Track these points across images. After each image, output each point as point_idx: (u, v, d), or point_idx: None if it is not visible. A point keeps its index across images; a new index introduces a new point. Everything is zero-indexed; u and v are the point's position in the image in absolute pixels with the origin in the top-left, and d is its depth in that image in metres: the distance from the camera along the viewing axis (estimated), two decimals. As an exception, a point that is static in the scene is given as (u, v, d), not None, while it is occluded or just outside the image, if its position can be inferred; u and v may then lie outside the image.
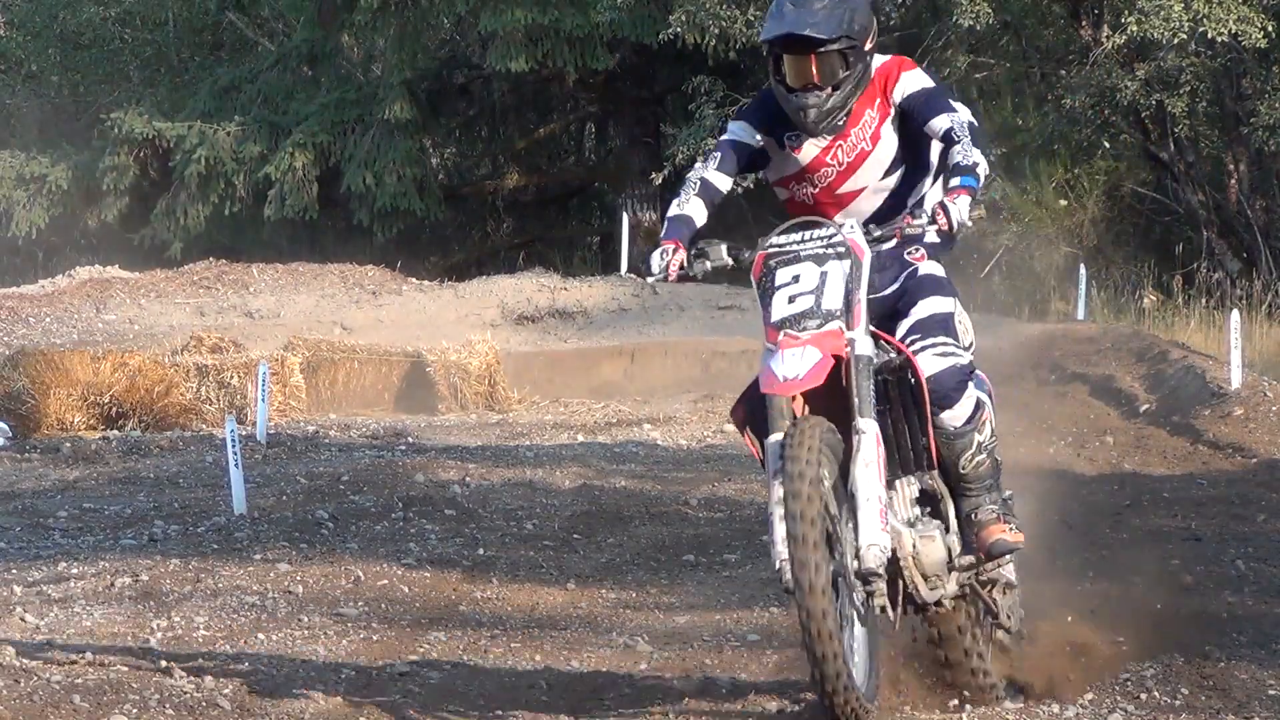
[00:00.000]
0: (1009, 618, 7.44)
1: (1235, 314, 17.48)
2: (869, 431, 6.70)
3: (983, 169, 6.89)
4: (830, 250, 6.88)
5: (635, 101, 31.53)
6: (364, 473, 13.37)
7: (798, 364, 6.69)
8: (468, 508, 12.17)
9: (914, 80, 7.09)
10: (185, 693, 7.64)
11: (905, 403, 6.97)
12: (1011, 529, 7.17)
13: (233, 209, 30.56)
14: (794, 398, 6.77)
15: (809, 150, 7.14)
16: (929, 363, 6.97)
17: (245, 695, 7.68)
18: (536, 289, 25.67)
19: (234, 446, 11.96)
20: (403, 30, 30.18)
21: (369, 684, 7.95)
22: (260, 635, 8.55)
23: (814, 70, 6.96)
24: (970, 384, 7.12)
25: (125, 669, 7.92)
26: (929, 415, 6.95)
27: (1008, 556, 7.22)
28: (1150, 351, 19.35)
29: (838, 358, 6.74)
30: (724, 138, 7.27)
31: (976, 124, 7.03)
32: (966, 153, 6.92)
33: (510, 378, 20.42)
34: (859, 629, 6.73)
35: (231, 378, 18.98)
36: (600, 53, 29.39)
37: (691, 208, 7.23)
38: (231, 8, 33.61)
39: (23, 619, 8.74)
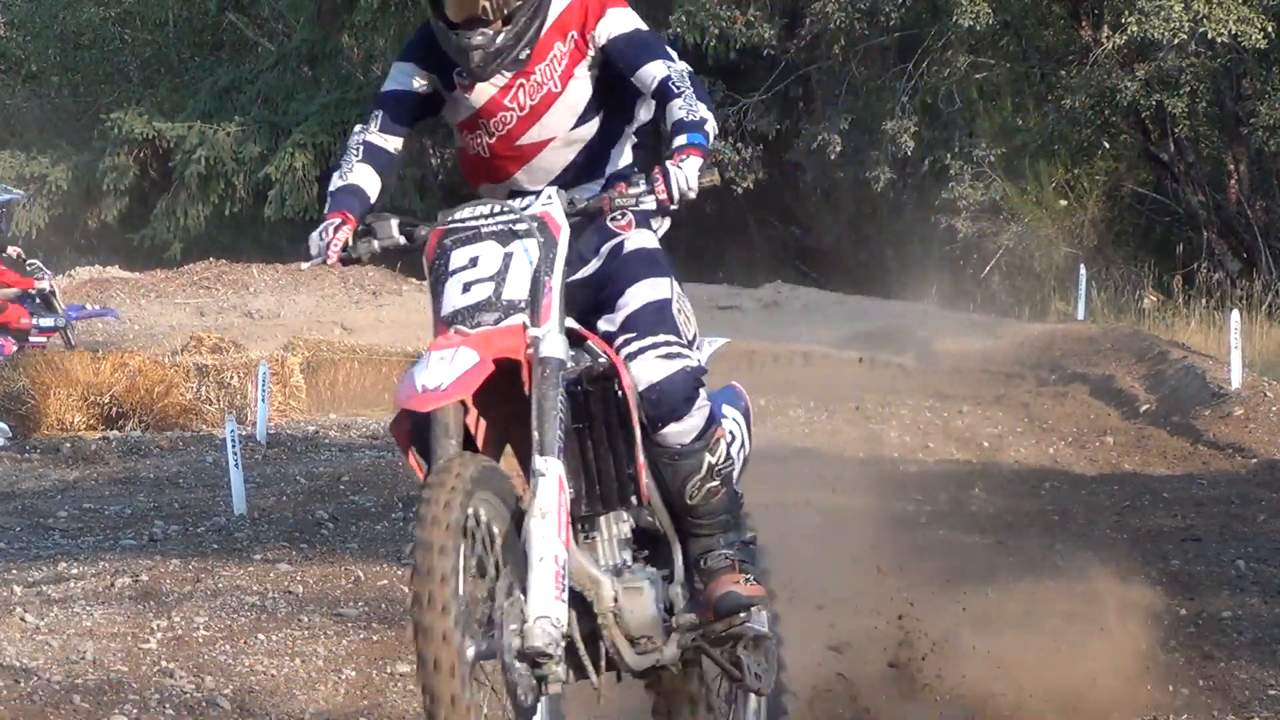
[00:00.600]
0: (758, 677, 5.88)
1: (1235, 314, 17.48)
2: (549, 473, 5.12)
3: (712, 126, 5.52)
4: (520, 225, 5.38)
5: (635, 102, 31.55)
6: (364, 473, 13.36)
7: (443, 371, 5.15)
8: (468, 508, 12.15)
9: (622, 20, 5.69)
10: (185, 693, 7.64)
11: (610, 419, 5.51)
12: (748, 580, 5.74)
13: (233, 209, 30.59)
14: (467, 412, 5.28)
15: (483, 91, 5.73)
16: (651, 368, 5.59)
17: (245, 695, 7.68)
18: (536, 289, 25.64)
19: (234, 447, 11.96)
20: (403, 30, 30.20)
21: (369, 684, 7.94)
22: (260, 635, 8.54)
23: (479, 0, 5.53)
24: (701, 391, 5.68)
25: (125, 669, 7.92)
26: (637, 436, 5.50)
27: (746, 613, 5.74)
28: (1150, 352, 19.35)
29: (515, 361, 5.24)
30: (383, 89, 5.91)
31: (697, 77, 5.67)
32: (691, 107, 5.54)
33: (510, 378, 20.40)
34: None
35: (231, 378, 18.98)
36: (600, 53, 29.40)
37: (357, 175, 5.78)
38: (231, 8, 33.63)
39: (23, 619, 8.74)
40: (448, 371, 5.14)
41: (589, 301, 5.67)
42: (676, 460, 5.64)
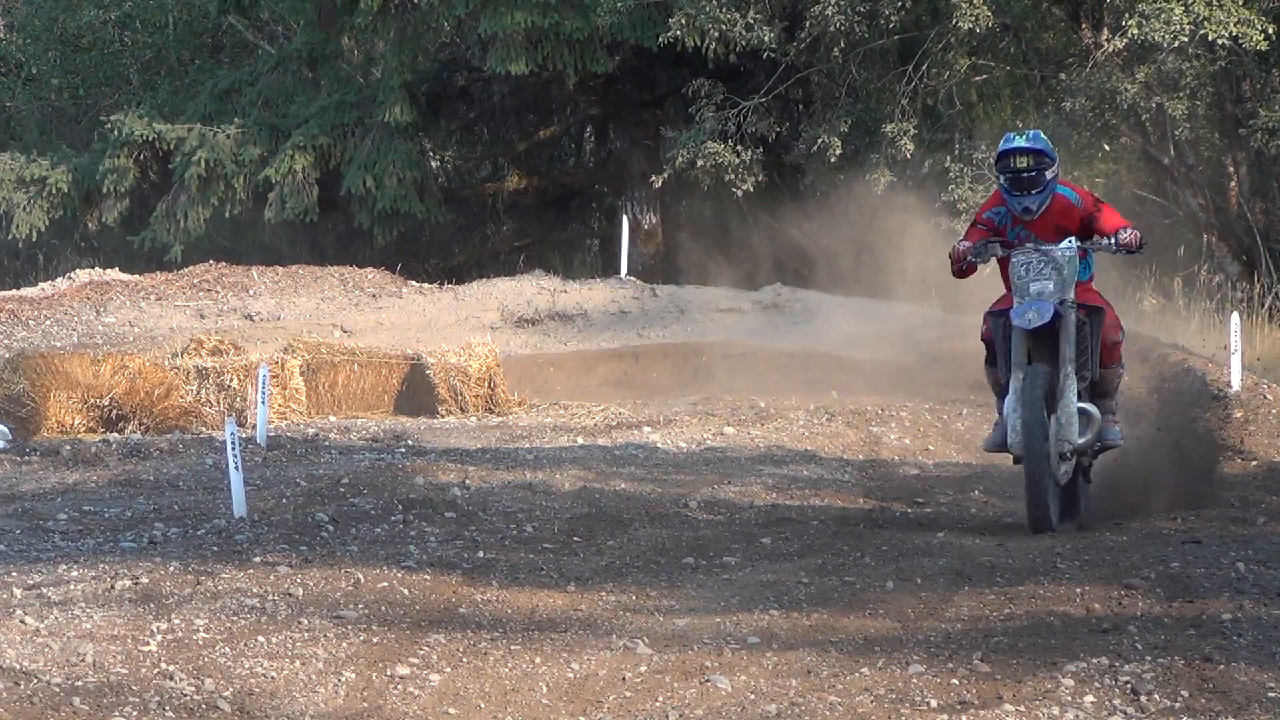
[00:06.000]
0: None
1: (1235, 316, 17.49)
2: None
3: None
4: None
5: (635, 104, 31.54)
6: (364, 475, 13.37)
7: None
8: (467, 510, 12.18)
9: None
10: (185, 695, 7.64)
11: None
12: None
13: (233, 211, 30.57)
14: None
15: None
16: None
17: (245, 698, 7.68)
18: (536, 291, 25.67)
19: (234, 449, 11.96)
20: (403, 33, 30.18)
21: (369, 686, 7.95)
22: (260, 638, 8.55)
23: None
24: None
25: (125, 671, 7.93)
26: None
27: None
28: (1150, 354, 19.36)
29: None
30: None
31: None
32: None
33: (510, 380, 20.43)
34: None
35: (231, 380, 18.98)
36: (600, 56, 29.40)
37: None
38: (231, 10, 33.61)
39: (23, 621, 8.74)
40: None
41: None
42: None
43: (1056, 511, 11.61)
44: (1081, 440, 11.73)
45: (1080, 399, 11.79)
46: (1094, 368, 11.88)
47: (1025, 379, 11.57)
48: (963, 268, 12.02)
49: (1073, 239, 11.82)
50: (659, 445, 16.32)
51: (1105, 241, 11.86)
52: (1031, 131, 11.97)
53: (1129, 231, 11.87)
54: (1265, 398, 16.42)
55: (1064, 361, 11.69)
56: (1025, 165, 11.81)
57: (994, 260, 12.10)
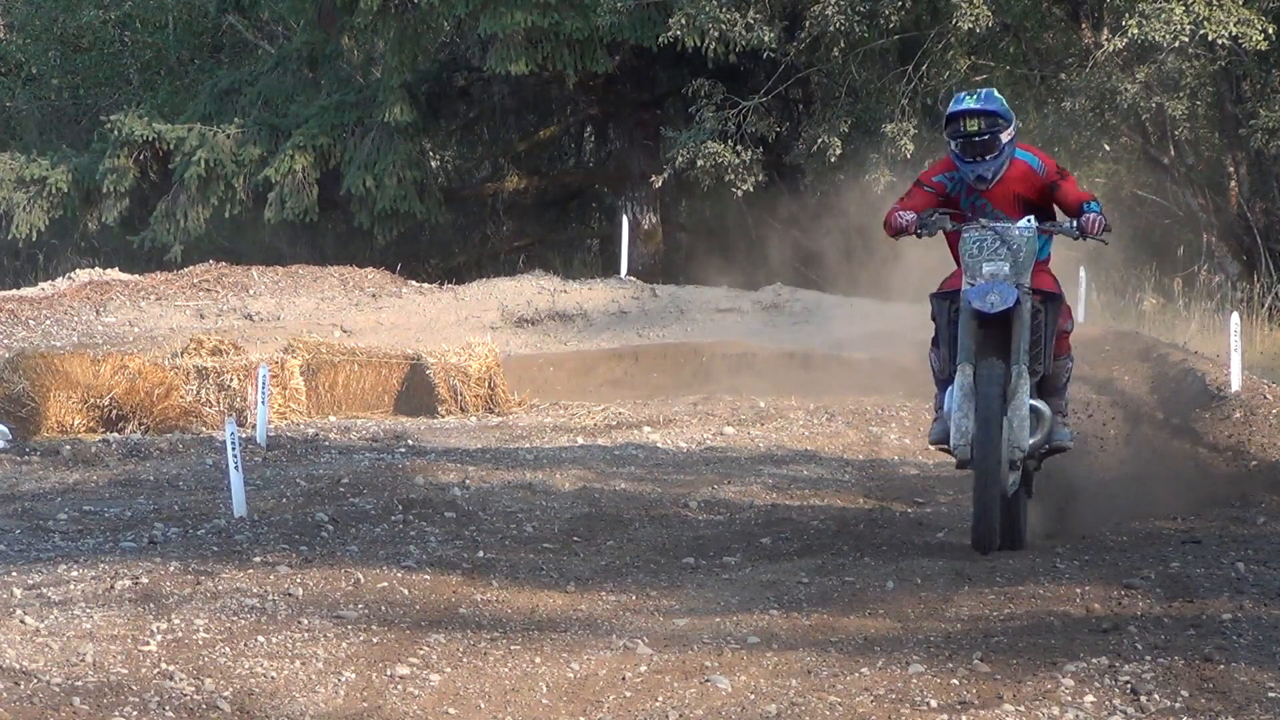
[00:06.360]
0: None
1: (1235, 316, 17.48)
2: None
3: None
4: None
5: (635, 104, 31.54)
6: (364, 475, 13.37)
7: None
8: (467, 510, 12.18)
9: None
10: (185, 695, 7.64)
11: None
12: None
13: (233, 211, 30.58)
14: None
15: None
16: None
17: (245, 698, 7.68)
18: (536, 291, 25.67)
19: (234, 449, 11.96)
20: (402, 33, 30.18)
21: (369, 686, 7.95)
22: (260, 638, 8.55)
23: None
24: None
25: (125, 671, 7.93)
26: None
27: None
28: (1150, 354, 19.36)
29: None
30: None
31: None
32: None
33: (510, 380, 20.42)
34: None
35: (231, 380, 18.98)
36: (600, 55, 29.40)
37: None
38: (231, 10, 33.61)
39: (23, 621, 8.74)
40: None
41: None
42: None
43: (999, 529, 10.60)
44: (1032, 441, 10.67)
45: (1030, 396, 10.71)
46: (1047, 361, 10.73)
47: (979, 377, 10.53)
48: (899, 235, 11.03)
49: (1031, 218, 10.71)
50: (659, 445, 16.32)
51: (1067, 225, 10.78)
52: (984, 90, 10.92)
53: (1094, 215, 10.73)
54: (1265, 398, 16.41)
55: (1017, 355, 10.58)
56: (977, 128, 10.73)
57: (940, 233, 11.07)
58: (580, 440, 16.86)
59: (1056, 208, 10.95)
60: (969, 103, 10.79)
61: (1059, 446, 10.96)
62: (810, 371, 21.30)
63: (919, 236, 10.90)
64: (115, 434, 17.08)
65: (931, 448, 11.34)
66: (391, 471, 13.59)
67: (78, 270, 28.20)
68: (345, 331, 24.28)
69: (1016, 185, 10.84)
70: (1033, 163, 10.87)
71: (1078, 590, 9.47)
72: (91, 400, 17.47)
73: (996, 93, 10.93)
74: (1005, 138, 10.76)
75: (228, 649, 8.35)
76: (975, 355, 10.56)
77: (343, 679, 8.02)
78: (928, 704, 7.54)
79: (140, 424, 17.50)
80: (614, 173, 32.35)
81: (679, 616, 9.20)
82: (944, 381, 10.84)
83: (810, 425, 17.46)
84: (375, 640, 8.61)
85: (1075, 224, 10.75)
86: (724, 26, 26.64)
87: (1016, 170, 10.85)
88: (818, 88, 28.72)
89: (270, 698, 7.70)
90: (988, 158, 10.77)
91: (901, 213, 10.95)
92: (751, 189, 28.01)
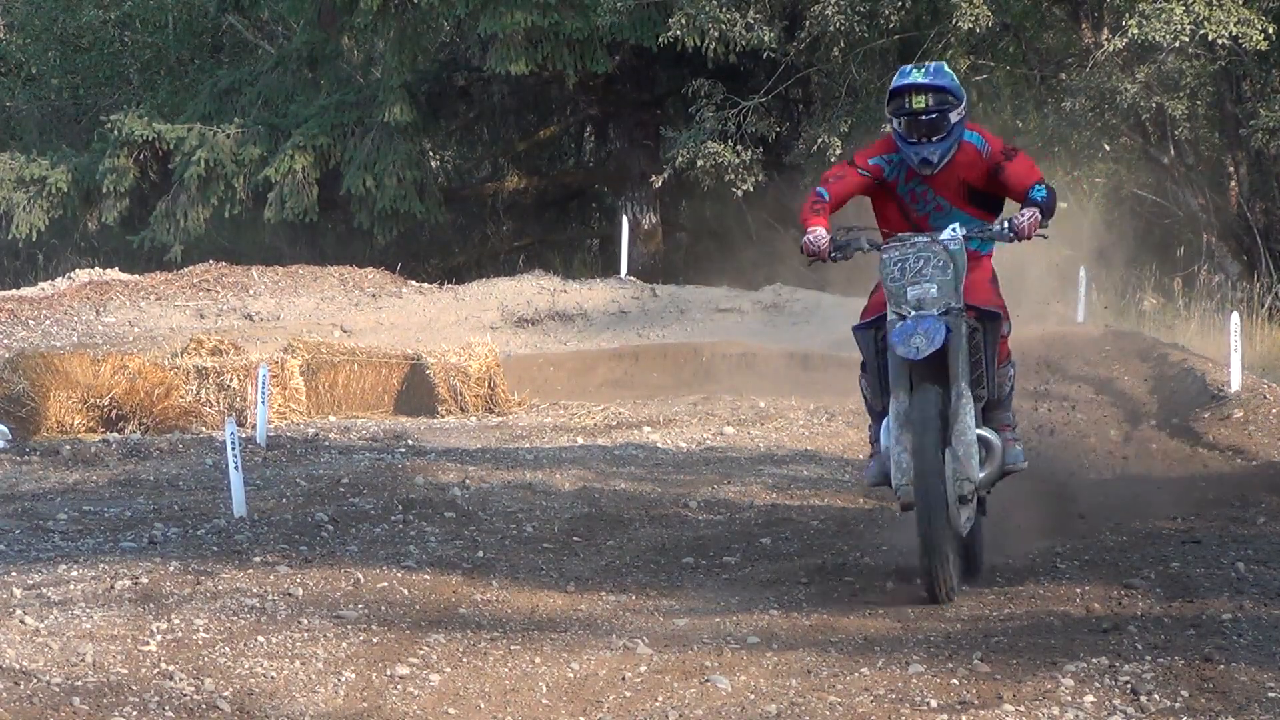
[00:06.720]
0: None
1: (1235, 316, 17.49)
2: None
3: None
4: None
5: (635, 104, 31.55)
6: (364, 475, 13.37)
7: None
8: (467, 510, 12.17)
9: None
10: (185, 695, 7.64)
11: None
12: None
13: (233, 211, 30.58)
14: None
15: None
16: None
17: (245, 698, 7.68)
18: (536, 291, 25.67)
19: (234, 449, 11.96)
20: (402, 33, 30.18)
21: (369, 686, 7.95)
22: (260, 638, 8.54)
23: None
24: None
25: (125, 671, 7.93)
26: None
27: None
28: (1150, 354, 19.36)
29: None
30: None
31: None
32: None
33: (510, 380, 20.42)
34: None
35: (231, 380, 18.97)
36: (600, 55, 29.40)
37: None
38: (231, 10, 33.61)
39: (22, 621, 8.74)
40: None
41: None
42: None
43: (959, 570, 9.43)
44: (983, 474, 9.47)
45: (976, 423, 9.46)
46: (990, 385, 9.53)
47: (913, 406, 9.21)
48: (813, 259, 9.60)
49: (956, 226, 9.44)
50: (659, 445, 16.32)
51: (997, 228, 9.56)
52: (933, 64, 9.66)
53: (1030, 212, 9.52)
54: (1265, 398, 16.41)
55: (956, 380, 9.30)
56: (924, 105, 9.49)
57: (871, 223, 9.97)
58: (580, 440, 16.85)
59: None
60: (916, 76, 9.59)
61: (1011, 469, 9.80)
62: (810, 371, 21.29)
63: (833, 260, 9.61)
64: (115, 434, 17.08)
65: (874, 486, 9.92)
66: (391, 471, 13.59)
67: (78, 270, 28.20)
68: (345, 331, 24.28)
69: (964, 171, 9.68)
70: (978, 143, 9.68)
71: (1078, 590, 9.47)
72: (91, 400, 17.47)
73: (947, 66, 9.75)
74: (955, 117, 9.56)
75: (228, 649, 8.35)
76: (910, 380, 9.31)
77: (343, 679, 8.02)
78: (928, 704, 7.54)
79: (140, 424, 17.49)
80: (614, 173, 32.35)
81: (679, 616, 9.20)
82: (879, 413, 9.59)
83: (810, 425, 17.46)
84: (375, 640, 8.61)
85: (1008, 225, 9.58)
86: (724, 26, 26.64)
87: (964, 155, 9.67)
88: (818, 88, 28.72)
89: (270, 698, 7.70)
90: (934, 139, 9.56)
91: (812, 230, 9.58)
92: (751, 189, 28.01)
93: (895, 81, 9.62)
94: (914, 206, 9.74)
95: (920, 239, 9.44)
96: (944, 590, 9.17)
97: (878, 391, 9.50)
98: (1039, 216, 9.56)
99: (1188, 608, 9.01)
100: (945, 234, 9.43)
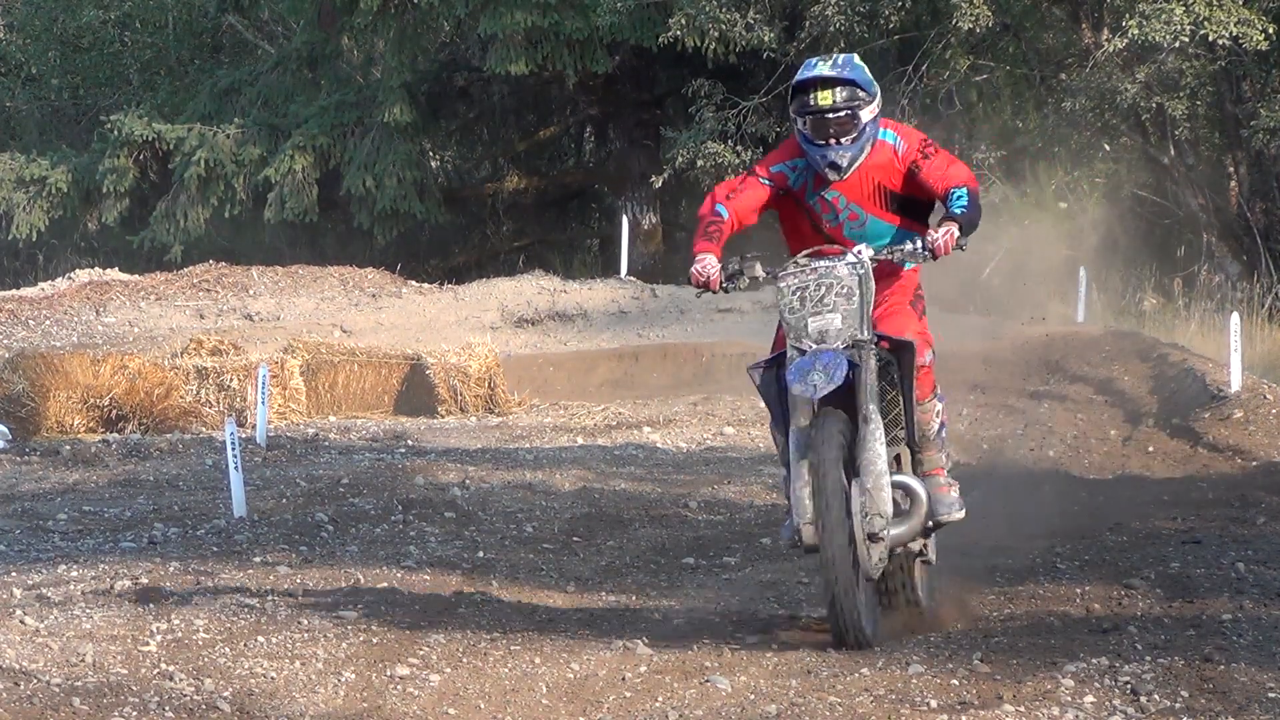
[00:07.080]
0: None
1: (1235, 316, 17.49)
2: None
3: None
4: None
5: (635, 104, 31.55)
6: (364, 475, 13.37)
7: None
8: (467, 510, 12.18)
9: None
10: (185, 695, 7.64)
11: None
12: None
13: (232, 211, 30.58)
14: None
15: None
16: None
17: (245, 698, 7.68)
18: (536, 291, 25.67)
19: (234, 449, 11.96)
20: (402, 33, 30.18)
21: (369, 687, 7.95)
22: (260, 638, 8.54)
23: None
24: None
25: (125, 671, 7.93)
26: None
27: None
28: (1150, 354, 19.36)
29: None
30: None
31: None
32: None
33: (510, 380, 20.43)
34: None
35: (231, 380, 18.98)
36: (600, 56, 29.41)
37: None
38: (231, 10, 33.61)
39: (22, 621, 8.74)
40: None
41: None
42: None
43: (874, 616, 8.41)
44: (904, 528, 8.38)
45: (897, 468, 8.50)
46: (911, 428, 8.47)
47: (812, 432, 8.08)
48: (702, 290, 8.46)
49: (862, 247, 8.39)
50: (659, 445, 16.32)
51: (911, 247, 8.41)
52: (843, 56, 8.59)
53: (947, 228, 8.38)
54: (1265, 398, 16.41)
55: (864, 405, 8.17)
56: (831, 102, 8.38)
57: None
58: (580, 440, 16.86)
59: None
60: (822, 69, 8.49)
61: (943, 520, 8.65)
62: (810, 371, 21.25)
63: (724, 291, 8.46)
64: (115, 434, 17.08)
65: (793, 547, 8.42)
66: (391, 471, 13.59)
67: (78, 270, 28.20)
68: (345, 331, 24.28)
69: (879, 175, 8.58)
70: (893, 142, 8.62)
71: (1078, 590, 9.47)
72: (91, 400, 17.47)
73: (858, 59, 8.66)
74: (866, 116, 8.49)
75: (227, 649, 8.35)
76: (813, 407, 8.19)
77: (342, 679, 8.02)
78: (928, 704, 7.53)
79: (140, 424, 17.50)
80: (614, 173, 32.35)
81: (679, 616, 9.21)
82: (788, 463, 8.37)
83: (810, 425, 17.43)
84: (375, 640, 8.61)
85: (921, 245, 8.44)
86: (724, 26, 26.64)
87: (879, 156, 8.58)
88: (818, 88, 28.67)
89: (270, 698, 7.70)
90: (843, 140, 8.45)
91: (700, 259, 8.45)
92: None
93: (799, 75, 8.53)
94: (825, 218, 8.59)
95: (822, 264, 8.34)
96: (853, 638, 8.13)
97: (782, 433, 8.38)
98: (955, 233, 8.42)
99: (1188, 608, 9.01)
100: (848, 255, 8.38)
